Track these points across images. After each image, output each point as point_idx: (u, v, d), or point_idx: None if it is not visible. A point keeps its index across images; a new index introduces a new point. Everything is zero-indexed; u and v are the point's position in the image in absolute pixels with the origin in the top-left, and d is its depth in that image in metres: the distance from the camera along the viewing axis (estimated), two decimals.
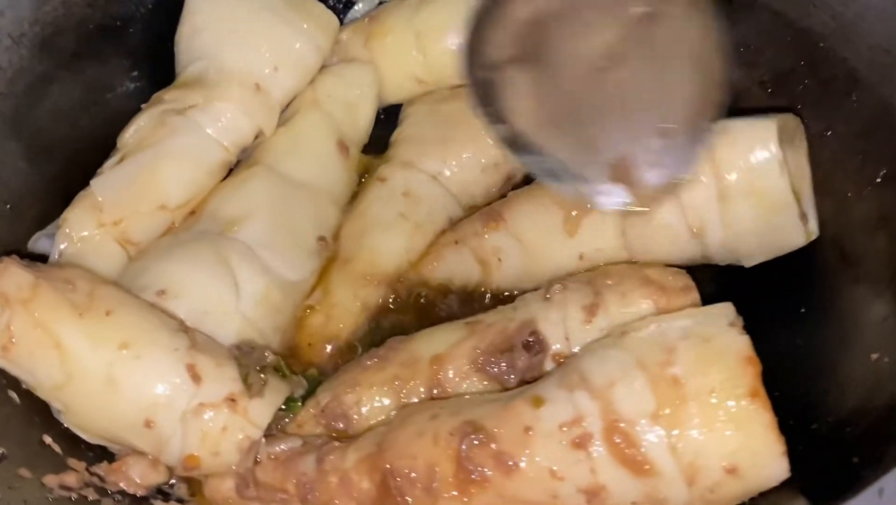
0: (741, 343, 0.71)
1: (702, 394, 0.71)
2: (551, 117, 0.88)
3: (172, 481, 0.85)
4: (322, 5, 1.10)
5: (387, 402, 0.87)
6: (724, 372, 0.71)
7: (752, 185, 0.85)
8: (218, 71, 1.02)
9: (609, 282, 0.86)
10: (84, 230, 0.93)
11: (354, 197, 1.08)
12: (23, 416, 0.82)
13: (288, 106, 1.08)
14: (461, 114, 1.06)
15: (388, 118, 1.14)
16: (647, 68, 0.84)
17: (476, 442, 0.74)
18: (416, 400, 0.86)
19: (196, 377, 0.80)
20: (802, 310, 0.94)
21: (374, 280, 0.99)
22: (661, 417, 0.71)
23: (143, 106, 1.02)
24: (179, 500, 0.84)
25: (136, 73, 1.10)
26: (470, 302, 1.00)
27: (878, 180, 0.90)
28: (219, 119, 1.00)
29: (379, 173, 1.06)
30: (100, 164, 0.98)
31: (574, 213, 0.92)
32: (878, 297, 0.86)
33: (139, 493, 0.82)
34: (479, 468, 0.74)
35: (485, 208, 1.01)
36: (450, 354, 0.85)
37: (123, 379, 0.79)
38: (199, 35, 1.05)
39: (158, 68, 1.07)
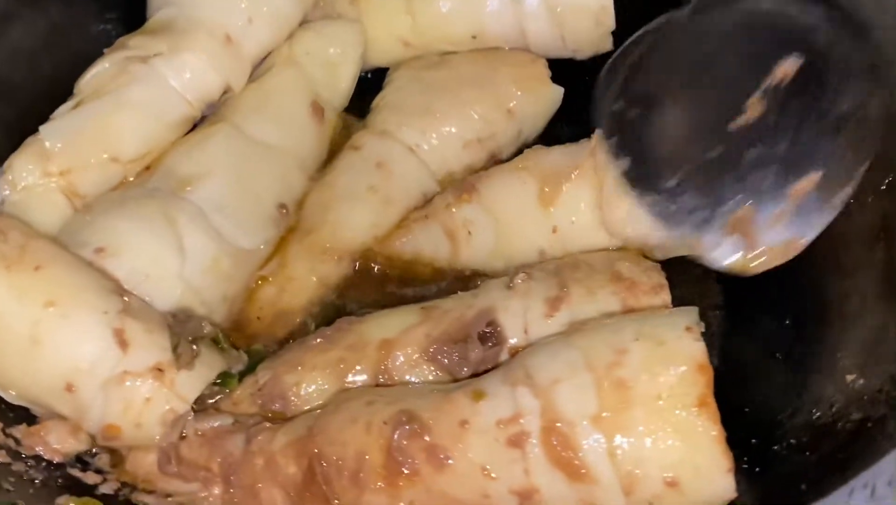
0: (695, 349, 0.72)
1: (648, 399, 0.71)
2: (676, 155, 0.90)
3: (95, 451, 0.85)
4: None
5: (328, 386, 0.88)
6: (673, 378, 0.71)
7: None
8: (188, 19, 1.03)
9: (577, 274, 0.87)
10: (29, 178, 0.94)
11: (327, 164, 1.07)
12: None
13: (262, 62, 1.08)
14: (447, 83, 1.08)
15: (377, 81, 1.14)
16: (788, 128, 0.85)
17: (409, 432, 0.75)
18: (357, 385, 0.86)
19: (123, 343, 0.81)
20: (787, 322, 0.93)
21: (334, 255, 1.01)
22: (602, 421, 0.72)
23: (105, 51, 1.01)
24: (98, 470, 0.84)
25: (105, 15, 1.12)
26: (438, 282, 0.99)
27: (883, 188, 0.88)
28: (184, 70, 1.01)
29: (353, 141, 1.07)
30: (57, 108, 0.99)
31: (549, 187, 0.92)
32: (866, 313, 0.85)
33: (56, 459, 0.83)
34: (410, 460, 0.75)
35: (459, 182, 1.01)
36: (400, 340, 0.86)
37: (47, 339, 0.81)
38: None
39: (130, 11, 1.09)
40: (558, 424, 0.73)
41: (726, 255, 0.88)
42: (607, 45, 1.10)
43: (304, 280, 1.00)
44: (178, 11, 1.04)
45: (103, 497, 0.81)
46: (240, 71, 1.05)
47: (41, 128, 0.97)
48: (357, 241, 1.02)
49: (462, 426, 0.75)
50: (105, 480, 0.84)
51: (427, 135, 1.06)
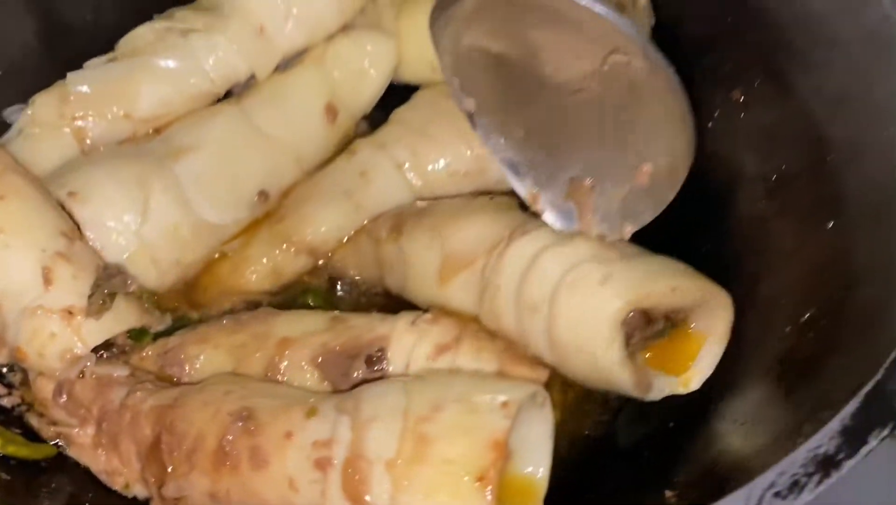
0: (498, 426, 0.75)
1: (439, 460, 0.75)
2: (526, 115, 0.97)
3: (8, 367, 0.96)
4: None
5: (225, 366, 0.95)
6: (467, 446, 0.75)
7: None
8: (232, 4, 1.12)
9: (479, 335, 0.92)
10: (47, 116, 1.05)
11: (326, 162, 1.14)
12: None
13: (295, 57, 1.16)
14: (455, 114, 1.10)
15: (405, 94, 1.20)
16: (624, 110, 0.92)
17: (242, 429, 0.82)
18: (250, 373, 0.93)
19: (48, 280, 0.91)
20: None
21: (293, 246, 1.08)
22: (395, 468, 0.76)
23: (155, 16, 1.12)
24: (8, 385, 0.95)
25: None
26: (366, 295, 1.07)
27: (802, 321, 0.91)
28: (214, 51, 1.09)
29: (352, 146, 1.14)
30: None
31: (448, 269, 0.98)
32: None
33: None
34: (235, 454, 0.81)
35: (397, 210, 1.06)
36: (298, 341, 0.93)
37: None
38: None
39: None
40: (359, 460, 0.77)
41: (557, 220, 0.96)
42: None
43: (258, 263, 1.07)
44: None
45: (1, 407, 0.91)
46: (266, 61, 1.12)
47: (69, 74, 1.07)
48: (319, 237, 1.09)
49: (287, 437, 0.81)
50: (9, 394, 0.94)
51: (417, 156, 1.11)
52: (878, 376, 0.70)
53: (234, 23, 1.10)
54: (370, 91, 1.18)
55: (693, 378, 0.94)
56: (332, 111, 1.14)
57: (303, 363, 0.92)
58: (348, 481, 0.77)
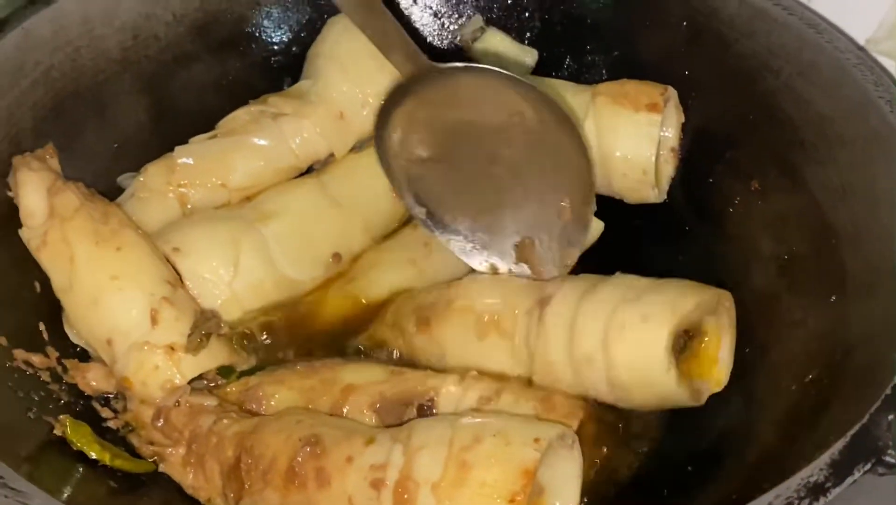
0: (528, 457, 0.81)
1: (476, 483, 0.81)
2: (460, 203, 1.08)
3: (115, 394, 1.05)
4: None
5: (296, 403, 1.03)
6: (501, 472, 0.81)
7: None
8: (318, 93, 1.23)
9: (515, 388, 1.00)
10: (156, 183, 1.16)
11: (393, 232, 1.24)
12: (34, 302, 1.04)
13: (369, 140, 1.25)
14: None
15: None
16: (535, 163, 1.02)
17: (310, 453, 0.89)
18: None
19: (154, 321, 1.01)
20: None
21: (365, 304, 1.16)
22: (439, 489, 0.82)
23: (251, 101, 1.23)
24: (113, 409, 1.03)
25: (267, 75, 1.33)
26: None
27: (807, 380, 0.97)
28: (300, 132, 1.20)
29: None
30: None
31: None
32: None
33: (87, 392, 1.02)
34: (303, 474, 0.88)
35: (417, 303, 1.14)
36: (360, 389, 1.00)
37: (104, 302, 1.02)
38: (319, 59, 1.26)
39: (289, 76, 1.31)
40: (408, 481, 0.84)
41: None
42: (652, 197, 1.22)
43: (331, 316, 1.16)
44: (312, 85, 1.24)
45: (106, 428, 1.00)
46: (344, 142, 1.23)
47: (176, 147, 1.18)
48: (382, 298, 1.17)
49: (348, 461, 0.87)
50: (115, 417, 1.02)
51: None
52: (864, 420, 0.77)
53: (319, 109, 1.21)
54: None
55: (722, 374, 1.03)
56: None
57: (363, 409, 0.99)
58: (398, 500, 0.83)
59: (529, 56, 1.38)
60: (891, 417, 0.77)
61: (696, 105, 1.25)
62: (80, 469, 0.93)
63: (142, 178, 1.16)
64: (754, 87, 1.18)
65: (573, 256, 1.05)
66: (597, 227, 1.14)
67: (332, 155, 1.23)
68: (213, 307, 1.09)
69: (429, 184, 1.11)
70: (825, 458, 0.75)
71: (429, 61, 0.98)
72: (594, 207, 1.03)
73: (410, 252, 1.19)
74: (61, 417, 0.95)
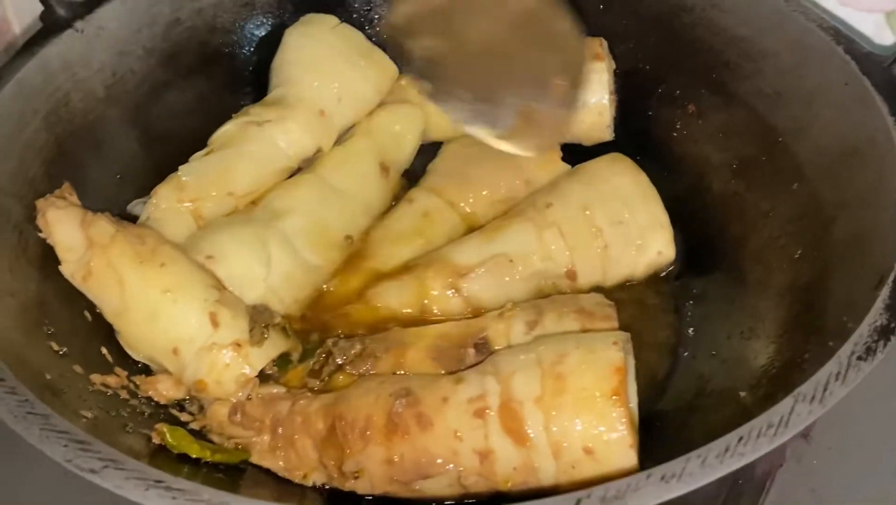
0: (616, 357, 0.81)
1: (576, 389, 0.81)
2: (463, 76, 1.04)
3: (187, 399, 0.98)
4: (386, 57, 1.26)
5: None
6: (595, 375, 0.81)
7: None
8: (294, 96, 1.19)
9: (551, 306, 0.98)
10: (168, 202, 1.09)
11: (388, 211, 1.21)
12: (90, 331, 0.97)
13: (347, 131, 1.23)
14: (482, 158, 1.20)
15: (431, 150, 1.28)
16: (532, 45, 1.00)
17: (405, 402, 0.86)
18: None
19: (215, 323, 0.95)
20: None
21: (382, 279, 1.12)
22: (542, 402, 0.81)
23: (233, 115, 1.17)
24: (190, 413, 0.97)
25: (240, 89, 1.28)
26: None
27: (796, 257, 0.98)
28: (288, 134, 1.16)
29: (409, 195, 1.20)
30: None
31: None
32: (759, 353, 0.95)
33: (161, 401, 0.95)
34: (404, 423, 0.85)
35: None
36: (412, 344, 0.97)
37: (162, 315, 0.95)
38: (286, 67, 1.22)
39: (258, 87, 1.25)
40: (511, 403, 0.82)
41: (517, 147, 1.04)
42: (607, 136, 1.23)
43: (354, 294, 1.12)
44: (288, 90, 1.19)
45: (191, 430, 0.94)
46: (329, 136, 1.19)
47: (180, 167, 1.13)
48: (398, 267, 1.13)
49: (444, 401, 0.85)
50: (194, 420, 0.96)
51: (465, 194, 1.19)
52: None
53: (299, 110, 1.17)
54: (409, 149, 1.25)
55: None
56: (385, 169, 1.21)
57: (422, 361, 0.96)
58: (506, 421, 0.82)
59: None
60: None
61: (623, 52, 1.27)
62: (186, 470, 0.87)
63: (154, 201, 1.10)
64: (672, 25, 1.21)
65: (562, 134, 1.07)
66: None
67: (319, 151, 1.19)
68: (254, 301, 1.04)
69: (433, 62, 1.07)
70: (879, 304, 0.78)
71: None
72: (583, 92, 1.06)
73: (414, 222, 1.17)
74: (157, 426, 0.89)
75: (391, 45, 1.06)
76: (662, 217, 1.06)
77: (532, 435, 0.81)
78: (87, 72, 1.06)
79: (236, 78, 1.23)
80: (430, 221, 1.17)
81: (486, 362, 0.88)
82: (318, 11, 1.27)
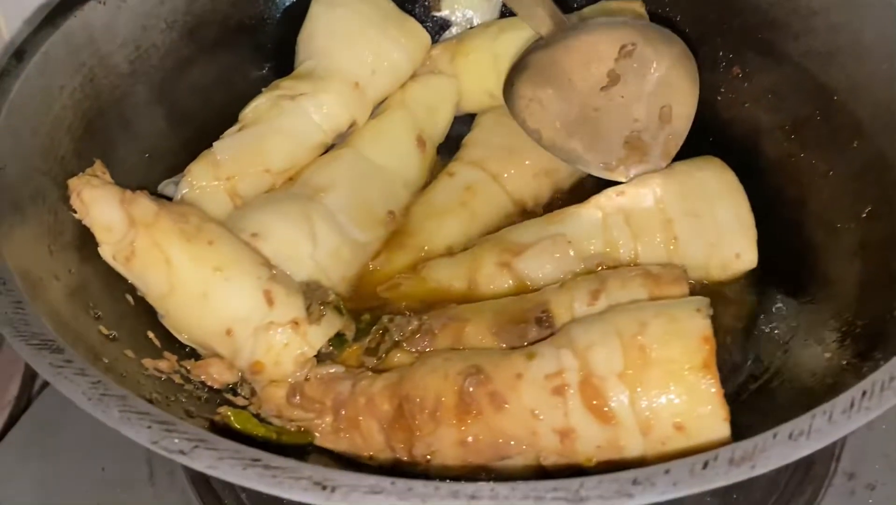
0: (702, 325, 0.76)
1: (662, 361, 0.76)
2: (571, 124, 1.05)
3: (240, 383, 0.93)
4: (419, 25, 1.20)
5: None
6: (683, 346, 0.76)
7: None
8: (326, 69, 1.12)
9: (613, 272, 0.93)
10: (203, 181, 1.03)
11: (427, 185, 1.16)
12: (134, 314, 0.91)
13: (381, 103, 1.18)
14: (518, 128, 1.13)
15: (465, 122, 1.23)
16: (637, 83, 1.03)
17: (476, 381, 0.81)
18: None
19: (270, 301, 0.89)
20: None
21: (428, 255, 1.07)
22: (626, 377, 0.76)
23: (263, 90, 1.12)
24: (244, 397, 0.92)
25: (263, 63, 1.22)
26: None
27: (864, 216, 0.94)
28: (321, 107, 1.10)
29: (448, 168, 1.15)
30: (224, 131, 1.09)
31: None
32: (837, 314, 0.91)
33: (215, 386, 0.90)
34: (476, 403, 0.80)
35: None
36: (472, 320, 0.92)
37: (214, 295, 0.89)
38: (315, 38, 1.15)
39: (281, 61, 1.19)
40: (592, 379, 0.77)
41: (627, 176, 1.04)
42: None
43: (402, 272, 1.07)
44: (318, 62, 1.13)
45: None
46: (363, 110, 1.13)
47: (214, 144, 1.06)
48: (446, 243, 1.09)
49: (518, 378, 0.80)
50: (249, 403, 0.91)
51: (506, 167, 1.13)
52: None
53: (334, 82, 1.11)
54: (443, 122, 1.20)
55: None
56: (421, 142, 1.16)
57: (481, 337, 0.90)
58: (588, 398, 0.77)
59: (494, 5, 1.31)
60: None
61: (658, 14, 1.22)
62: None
63: (189, 179, 1.04)
64: None
65: (671, 153, 1.04)
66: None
67: (354, 124, 1.13)
68: (303, 280, 0.98)
69: (543, 113, 1.08)
70: None
71: (565, 18, 1.04)
72: (691, 119, 1.04)
73: (458, 195, 1.11)
74: (220, 409, 0.85)
75: (507, 97, 1.08)
76: (747, 217, 0.97)
77: (618, 412, 0.74)
78: (110, 46, 1.01)
79: (260, 51, 1.17)
80: (472, 194, 1.12)
81: (560, 335, 0.82)
82: None
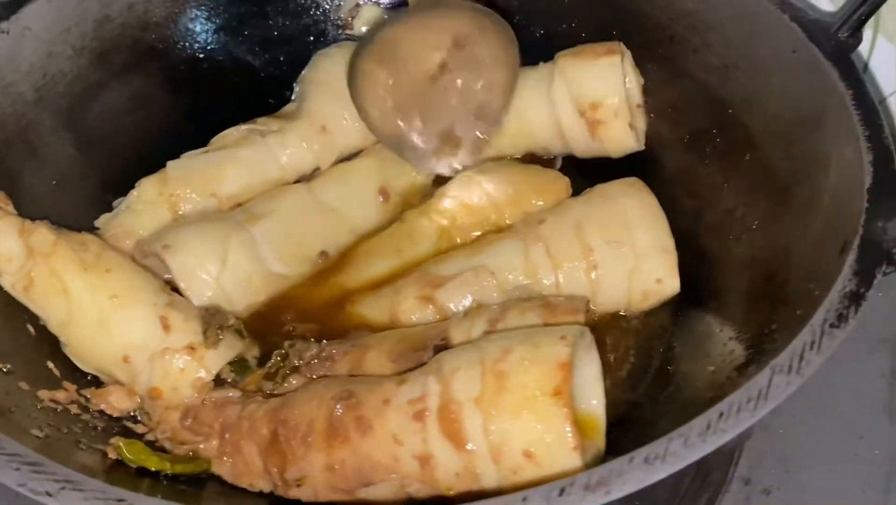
0: (562, 352, 0.72)
1: (517, 387, 0.72)
2: (398, 107, 1.05)
3: (141, 410, 0.92)
4: None
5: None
6: (538, 372, 0.71)
7: None
8: (301, 110, 1.12)
9: (516, 303, 0.91)
10: (149, 195, 1.03)
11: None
12: (34, 345, 0.88)
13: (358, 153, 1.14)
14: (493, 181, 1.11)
15: None
16: (462, 76, 1.03)
17: (346, 405, 0.77)
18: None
19: (167, 327, 0.87)
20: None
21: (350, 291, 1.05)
22: (482, 402, 0.72)
23: (241, 124, 1.12)
24: (145, 425, 0.91)
25: (172, 88, 1.18)
26: None
27: (754, 227, 0.93)
28: (286, 147, 1.08)
29: (403, 215, 1.10)
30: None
31: None
32: (724, 326, 0.90)
33: (115, 414, 0.87)
34: (344, 428, 0.77)
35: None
36: (374, 346, 0.89)
37: (110, 322, 0.87)
38: (305, 84, 1.15)
39: (191, 85, 1.17)
40: (451, 404, 0.73)
41: (447, 168, 1.08)
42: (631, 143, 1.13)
43: (314, 302, 1.05)
44: (298, 106, 1.13)
45: (148, 442, 0.87)
46: (328, 155, 1.11)
47: (169, 162, 1.05)
48: (369, 281, 1.07)
49: (385, 403, 0.76)
50: (150, 431, 0.89)
51: (454, 220, 1.09)
52: (861, 232, 0.74)
53: (303, 123, 1.11)
54: (421, 180, 1.16)
55: None
56: (384, 193, 1.12)
57: (381, 362, 0.88)
58: (444, 423, 0.73)
59: None
60: (880, 223, 0.74)
61: (564, 31, 1.20)
62: (146, 483, 0.81)
63: (136, 192, 1.03)
64: (616, 2, 1.13)
65: (480, 150, 1.07)
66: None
67: (317, 169, 1.11)
68: (203, 301, 0.96)
69: (374, 91, 1.08)
70: (847, 270, 0.71)
71: None
72: (506, 112, 1.06)
73: (396, 243, 1.07)
74: (112, 440, 0.82)
75: (349, 71, 1.10)
76: (666, 241, 0.91)
77: (471, 438, 0.70)
78: (15, 75, 0.96)
79: (173, 75, 1.11)
80: (412, 242, 1.07)
81: (432, 361, 0.78)
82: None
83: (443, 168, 1.08)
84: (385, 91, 1.06)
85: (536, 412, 0.72)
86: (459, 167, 1.06)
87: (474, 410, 0.73)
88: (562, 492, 0.58)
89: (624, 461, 0.60)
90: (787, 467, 0.95)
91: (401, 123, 1.06)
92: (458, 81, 1.03)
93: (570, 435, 0.70)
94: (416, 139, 1.07)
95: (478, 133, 1.03)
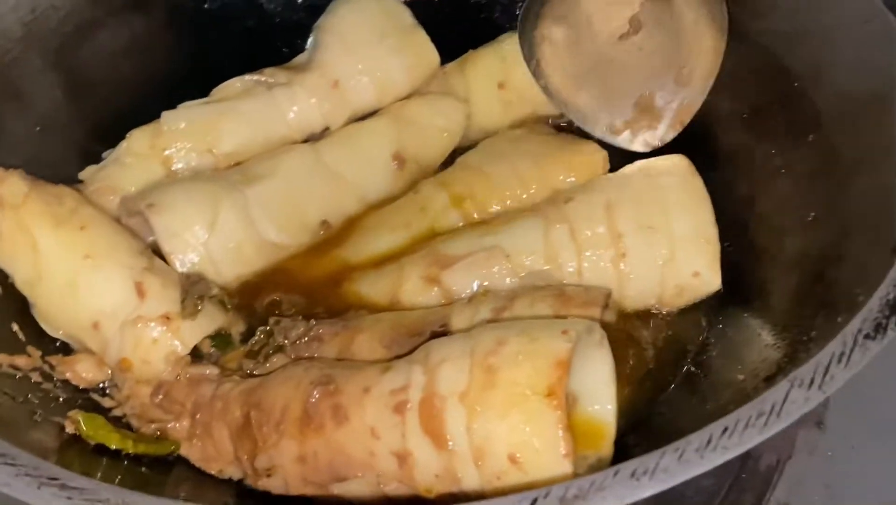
0: (561, 348, 0.68)
1: (507, 384, 0.68)
2: (583, 73, 1.02)
3: (113, 384, 0.91)
4: (430, 44, 1.12)
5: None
6: (532, 368, 0.68)
7: None
8: (312, 61, 1.09)
9: (527, 290, 0.88)
10: (140, 147, 1.02)
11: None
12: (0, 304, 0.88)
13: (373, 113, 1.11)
14: (513, 154, 1.09)
15: None
16: (659, 35, 0.99)
17: (323, 391, 0.75)
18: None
19: (141, 293, 0.86)
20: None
21: (350, 266, 1.03)
22: (467, 398, 0.69)
23: (247, 74, 1.10)
24: (112, 398, 0.89)
25: (174, 31, 1.16)
26: None
27: (809, 220, 0.88)
28: (294, 102, 1.06)
29: (418, 185, 1.07)
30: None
31: None
32: (763, 329, 0.86)
33: (81, 385, 0.87)
34: (319, 415, 0.74)
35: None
36: (366, 329, 0.86)
37: (81, 284, 0.86)
38: (320, 31, 1.12)
39: (195, 29, 1.16)
40: (434, 398, 0.70)
41: (636, 143, 1.03)
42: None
43: (311, 276, 1.03)
44: (311, 56, 1.11)
45: (113, 418, 0.87)
46: (339, 113, 1.08)
47: (164, 113, 1.04)
48: (370, 257, 1.04)
49: (365, 392, 0.74)
50: (119, 406, 0.89)
51: (473, 191, 1.06)
52: None
53: (313, 76, 1.07)
54: (441, 148, 1.11)
55: None
56: (399, 159, 1.09)
57: (372, 345, 0.85)
58: (425, 418, 0.71)
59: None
60: None
61: None
62: (105, 462, 0.80)
63: (126, 144, 1.01)
64: None
65: (684, 122, 1.01)
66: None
67: (327, 129, 1.07)
68: (188, 267, 0.95)
69: (553, 54, 1.05)
70: (892, 273, 0.68)
71: None
72: (710, 83, 1.00)
73: (406, 216, 1.02)
74: (70, 413, 0.80)
75: (521, 34, 1.02)
76: (709, 230, 0.86)
77: (453, 436, 0.68)
78: (2, 7, 0.95)
79: (177, 16, 1.10)
80: (423, 215, 1.04)
81: (420, 349, 0.74)
82: None
83: (638, 144, 1.02)
84: (567, 54, 1.02)
85: (525, 412, 0.68)
86: (658, 143, 1.01)
87: (458, 406, 0.70)
88: (533, 502, 0.55)
89: (608, 474, 0.57)
90: (832, 494, 0.89)
91: (587, 92, 1.02)
92: (652, 39, 0.98)
93: (561, 440, 0.67)
94: (606, 110, 1.02)
95: (681, 102, 0.99)
